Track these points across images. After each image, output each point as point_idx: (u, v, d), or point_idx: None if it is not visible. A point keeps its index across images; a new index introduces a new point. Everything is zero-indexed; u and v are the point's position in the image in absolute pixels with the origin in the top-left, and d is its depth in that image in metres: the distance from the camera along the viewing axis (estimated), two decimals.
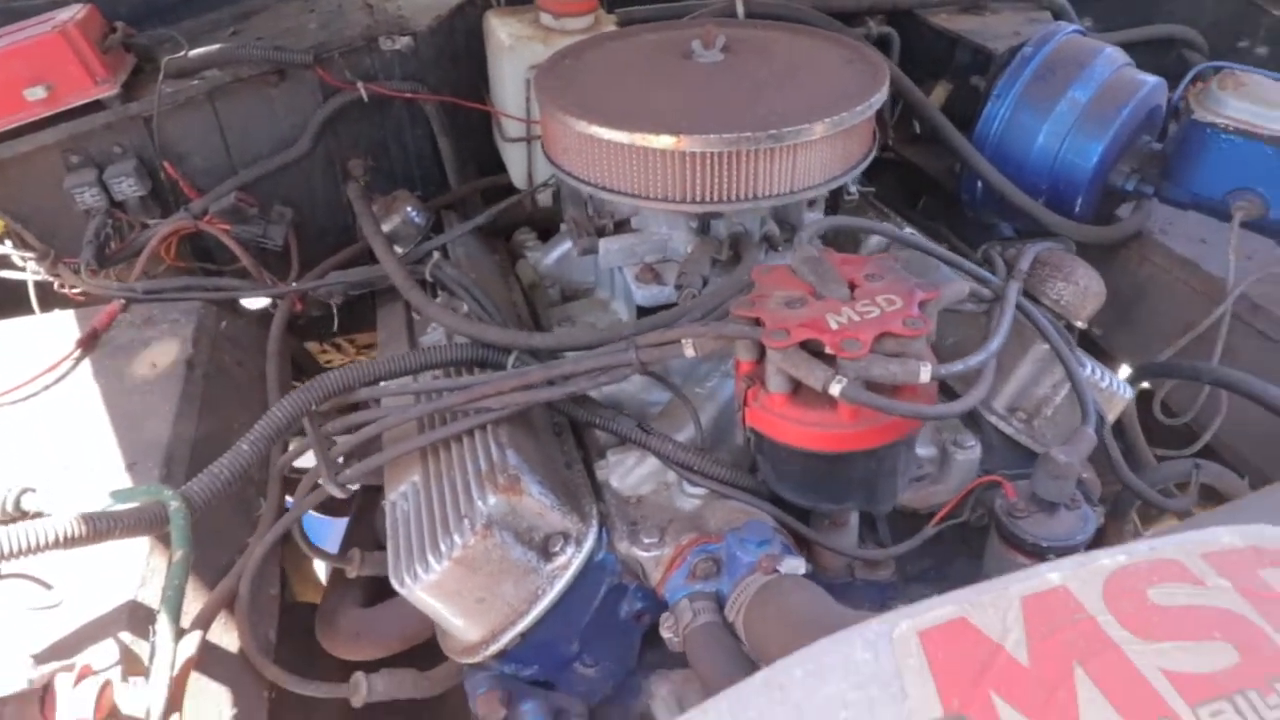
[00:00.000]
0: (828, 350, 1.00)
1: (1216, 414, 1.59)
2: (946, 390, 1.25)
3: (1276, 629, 0.63)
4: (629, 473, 1.26)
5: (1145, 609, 0.64)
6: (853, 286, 1.12)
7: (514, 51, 1.73)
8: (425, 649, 1.33)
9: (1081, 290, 1.43)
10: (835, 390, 0.97)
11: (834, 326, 1.02)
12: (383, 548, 1.35)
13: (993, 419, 1.36)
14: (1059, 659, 0.61)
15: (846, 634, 0.66)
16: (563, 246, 1.73)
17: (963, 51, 1.90)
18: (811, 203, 1.45)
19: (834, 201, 1.57)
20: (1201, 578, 0.68)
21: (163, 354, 1.43)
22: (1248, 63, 2.33)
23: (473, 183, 2.00)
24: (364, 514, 1.58)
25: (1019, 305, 1.32)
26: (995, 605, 0.65)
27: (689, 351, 1.11)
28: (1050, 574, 0.68)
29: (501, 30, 1.80)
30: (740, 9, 1.82)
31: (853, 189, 1.53)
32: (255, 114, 1.80)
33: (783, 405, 1.06)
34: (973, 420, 1.37)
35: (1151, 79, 1.77)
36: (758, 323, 1.05)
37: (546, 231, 1.86)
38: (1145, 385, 1.70)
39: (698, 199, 1.28)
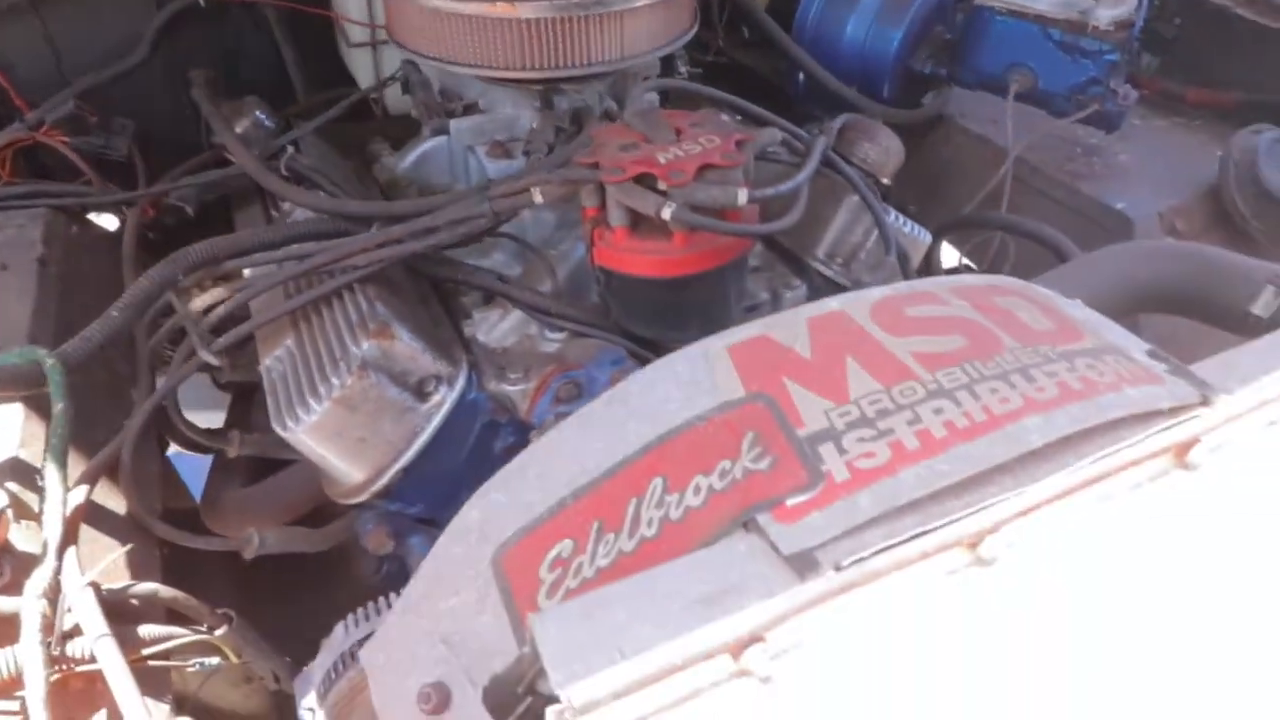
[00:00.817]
0: (660, 186, 1.13)
1: (1006, 260, 1.85)
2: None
3: (997, 325, 0.80)
4: (493, 327, 1.37)
5: (901, 319, 0.81)
6: (679, 133, 1.26)
7: None
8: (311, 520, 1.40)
9: (884, 149, 1.62)
10: (666, 214, 1.10)
11: (662, 161, 1.15)
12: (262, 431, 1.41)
13: (815, 264, 1.53)
14: (834, 352, 0.76)
15: (671, 356, 0.79)
16: (419, 148, 1.78)
17: None
18: (646, 80, 1.57)
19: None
20: (947, 300, 0.85)
21: (12, 254, 1.41)
22: None
23: (324, 93, 2.01)
24: (239, 403, 1.62)
25: (830, 160, 1.50)
26: (788, 325, 0.80)
27: (537, 198, 1.21)
28: (831, 302, 0.84)
29: None
30: None
31: (683, 69, 1.66)
32: (86, 21, 1.75)
33: (625, 239, 1.18)
34: (798, 266, 1.54)
35: None
36: (596, 167, 1.17)
37: (400, 141, 1.90)
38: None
39: (535, 66, 1.38)
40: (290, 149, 1.61)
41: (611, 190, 1.14)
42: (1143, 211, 1.77)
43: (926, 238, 1.66)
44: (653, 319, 1.28)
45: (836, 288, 1.56)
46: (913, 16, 1.91)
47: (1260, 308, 1.25)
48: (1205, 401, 0.69)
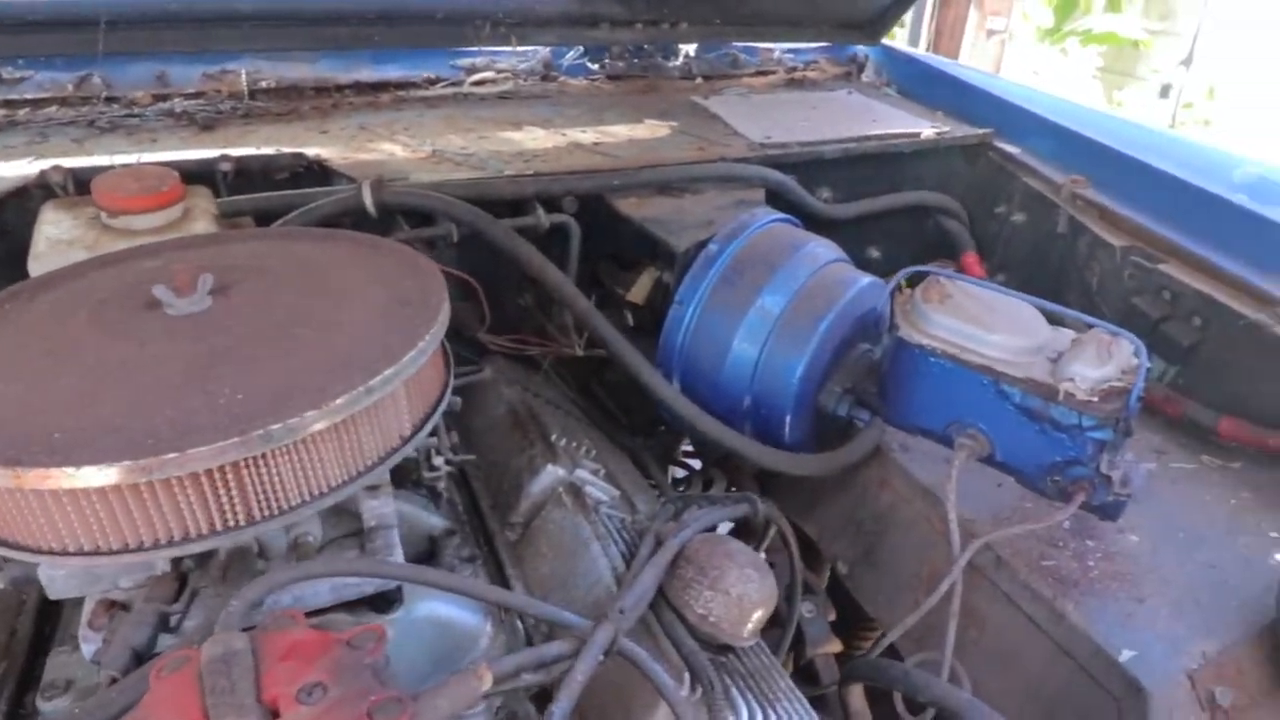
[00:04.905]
0: None
1: None
2: None
3: None
4: None
5: None
6: (274, 712, 0.66)
7: (43, 261, 1.25)
8: None
9: (735, 601, 1.00)
10: None
11: None
12: None
13: None
14: None
15: None
16: None
17: (648, 244, 1.52)
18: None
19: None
20: None
21: None
22: (1005, 231, 2.07)
23: None
24: None
25: (626, 653, 0.88)
26: None
27: None
28: None
29: (50, 228, 1.32)
30: (369, 200, 1.40)
31: (438, 464, 1.08)
32: None
33: None
34: None
35: (864, 279, 1.41)
36: None
37: None
38: None
39: (114, 548, 0.79)
40: None
41: None
42: (1163, 672, 1.10)
43: None
44: None
45: None
46: (819, 344, 1.33)
47: None
48: None
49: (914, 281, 1.34)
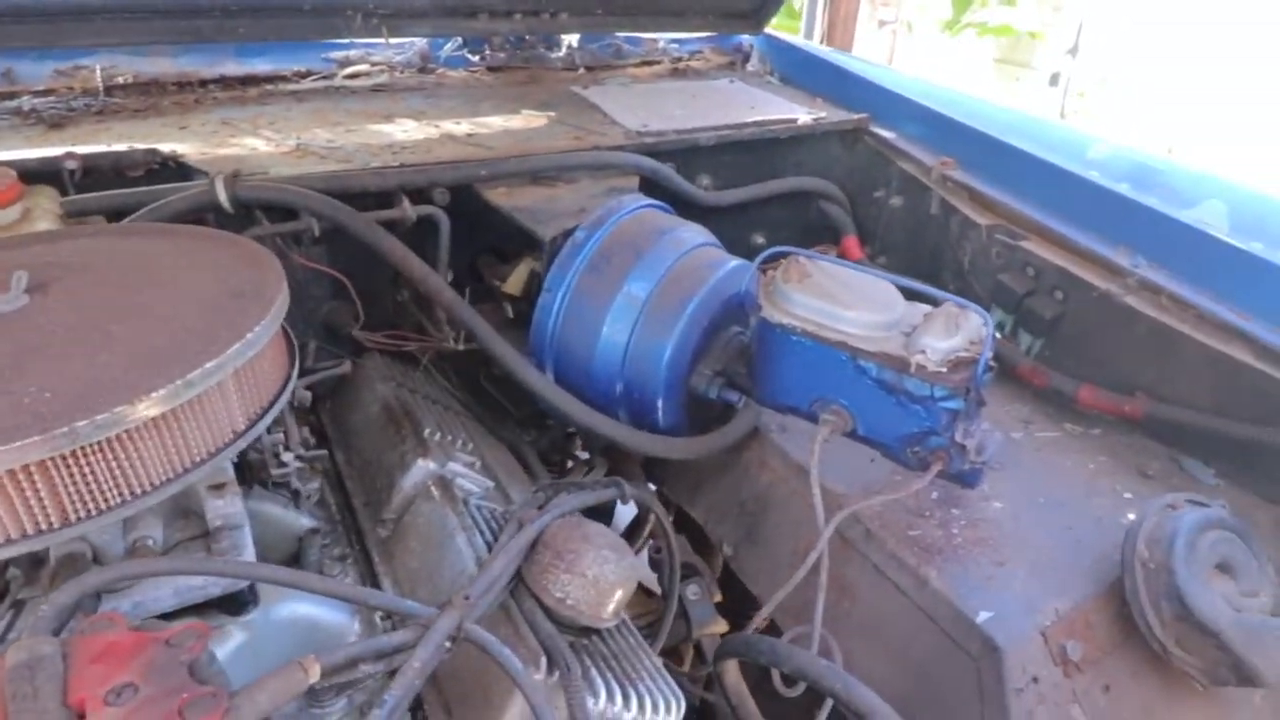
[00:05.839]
0: None
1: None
2: None
3: None
4: None
5: None
6: (80, 715, 0.62)
7: None
8: None
9: (591, 582, 0.98)
10: None
11: None
12: None
13: None
14: None
15: None
16: None
17: (519, 234, 1.49)
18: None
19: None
20: None
21: None
22: (884, 214, 2.10)
23: None
24: None
25: (475, 638, 0.85)
26: None
27: None
28: None
29: None
30: (223, 195, 1.33)
31: (288, 461, 1.03)
32: None
33: None
34: None
35: (731, 262, 1.41)
36: None
37: None
38: None
39: None
40: None
41: None
42: (1017, 630, 1.12)
43: (675, 712, 1.00)
44: None
45: None
46: (686, 328, 1.32)
47: None
48: None
49: (768, 262, 1.35)
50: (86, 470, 0.76)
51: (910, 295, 1.29)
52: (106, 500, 0.78)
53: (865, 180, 2.10)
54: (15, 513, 0.75)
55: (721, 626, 1.47)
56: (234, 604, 0.90)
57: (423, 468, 1.25)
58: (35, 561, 0.85)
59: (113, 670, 0.64)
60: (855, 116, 2.06)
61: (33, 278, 0.93)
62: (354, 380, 1.49)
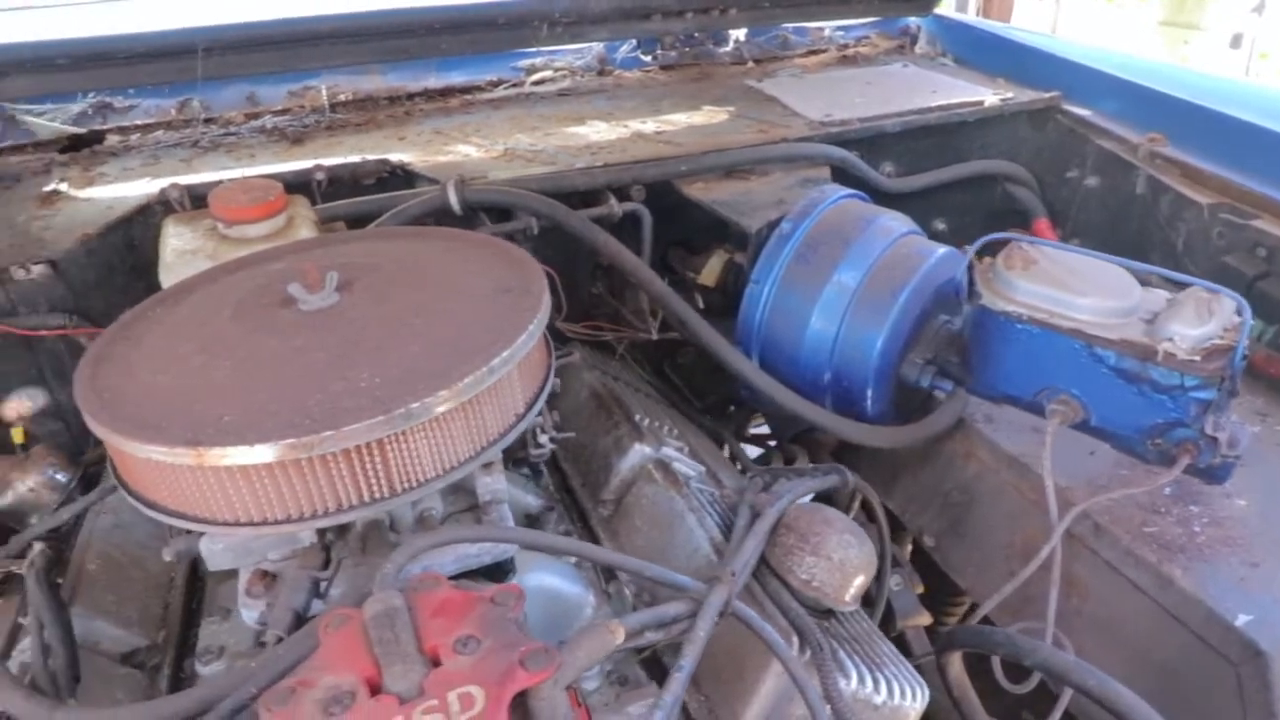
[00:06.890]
0: None
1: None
2: None
3: None
4: None
5: None
6: (435, 661, 0.68)
7: (172, 270, 1.30)
8: None
9: (837, 565, 0.98)
10: None
11: None
12: None
13: None
14: None
15: None
16: None
17: (719, 227, 1.50)
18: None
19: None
20: None
21: None
22: (1078, 195, 1.98)
23: None
24: None
25: (740, 614, 0.87)
26: None
27: None
28: None
29: (174, 240, 1.37)
30: (454, 199, 1.41)
31: (544, 442, 1.08)
32: None
33: None
34: None
35: (939, 250, 1.37)
36: None
37: None
38: None
39: (278, 519, 0.83)
40: (39, 546, 1.06)
41: None
42: None
43: (916, 700, 0.98)
44: None
45: None
46: (898, 317, 1.29)
47: None
48: None
49: (988, 250, 1.30)
50: (412, 447, 0.84)
51: (1141, 281, 1.21)
52: (424, 474, 0.86)
53: (1056, 161, 1.99)
54: (356, 483, 0.83)
55: (926, 618, 1.43)
56: (498, 572, 0.96)
57: (639, 451, 1.28)
58: (342, 527, 0.94)
59: (453, 623, 0.70)
60: (1046, 95, 1.95)
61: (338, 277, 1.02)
62: (563, 367, 1.55)
